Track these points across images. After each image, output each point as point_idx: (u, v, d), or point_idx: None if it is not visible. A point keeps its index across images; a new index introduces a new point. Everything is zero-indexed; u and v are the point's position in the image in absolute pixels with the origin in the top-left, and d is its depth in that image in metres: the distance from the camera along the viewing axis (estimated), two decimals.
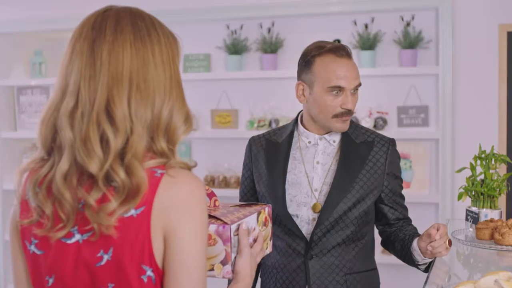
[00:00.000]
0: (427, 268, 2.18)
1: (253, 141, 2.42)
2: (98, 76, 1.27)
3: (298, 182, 2.28)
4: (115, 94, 1.26)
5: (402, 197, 2.35)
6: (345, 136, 2.30)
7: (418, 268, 2.23)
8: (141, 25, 1.32)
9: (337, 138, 2.30)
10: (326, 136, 2.29)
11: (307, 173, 2.28)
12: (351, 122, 2.33)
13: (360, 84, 2.24)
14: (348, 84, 2.19)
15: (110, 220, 1.23)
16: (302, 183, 2.27)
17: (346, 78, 2.19)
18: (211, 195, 1.59)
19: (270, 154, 2.34)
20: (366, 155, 2.27)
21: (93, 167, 1.24)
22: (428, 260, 2.16)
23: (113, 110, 1.26)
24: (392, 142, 2.33)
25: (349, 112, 2.22)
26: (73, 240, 1.29)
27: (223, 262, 1.47)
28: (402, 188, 2.36)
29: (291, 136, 2.34)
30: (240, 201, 2.46)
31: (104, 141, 1.25)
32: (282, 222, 2.27)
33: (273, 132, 2.42)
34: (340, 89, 2.19)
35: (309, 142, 2.31)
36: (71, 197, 1.26)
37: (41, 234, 1.30)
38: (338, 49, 2.21)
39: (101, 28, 1.30)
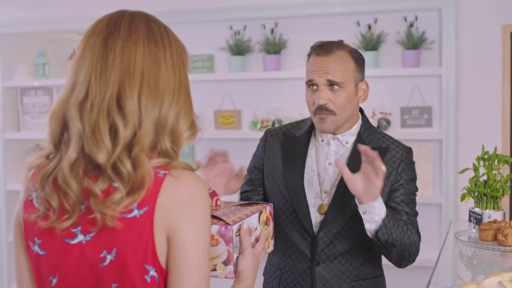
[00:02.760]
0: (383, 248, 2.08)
1: (269, 133, 2.37)
2: (110, 70, 1.28)
3: (310, 182, 2.24)
4: (127, 87, 1.28)
5: (408, 213, 2.19)
6: (358, 139, 2.24)
7: (373, 242, 2.08)
8: (155, 28, 1.34)
9: (350, 139, 2.25)
10: (339, 136, 2.24)
11: (319, 173, 2.24)
12: (369, 125, 2.29)
13: (335, 81, 2.15)
14: (317, 77, 2.16)
15: (115, 210, 1.24)
16: (313, 183, 2.23)
17: (316, 72, 2.17)
18: (212, 194, 1.61)
19: (286, 147, 2.30)
20: None
21: (100, 157, 1.25)
22: (369, 227, 2.03)
23: (124, 102, 1.27)
24: (408, 151, 2.25)
25: (321, 108, 2.16)
26: (76, 241, 1.29)
27: (226, 262, 1.48)
28: (411, 200, 2.21)
29: (309, 131, 2.30)
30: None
31: (112, 132, 1.27)
32: (297, 217, 2.21)
33: (291, 125, 2.38)
34: (313, 83, 2.18)
35: (322, 141, 2.26)
36: (77, 187, 1.27)
37: (46, 226, 1.30)
38: (317, 48, 2.21)
39: (115, 25, 1.32)
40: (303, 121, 2.37)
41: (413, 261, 2.21)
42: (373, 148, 2.12)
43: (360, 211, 2.04)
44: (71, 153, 1.27)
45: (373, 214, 2.02)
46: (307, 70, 2.22)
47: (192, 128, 1.36)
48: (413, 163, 2.26)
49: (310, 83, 2.19)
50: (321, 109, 2.16)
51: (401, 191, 2.19)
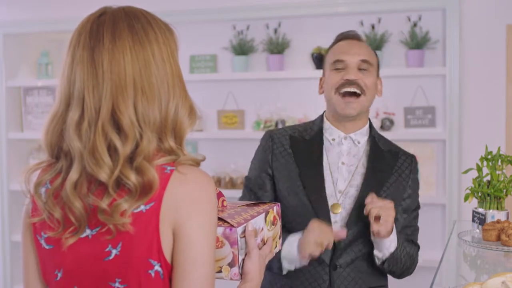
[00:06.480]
0: (384, 264, 2.15)
1: (274, 136, 2.25)
2: (101, 85, 1.28)
3: None
4: (120, 102, 1.27)
5: (414, 218, 2.30)
6: (371, 139, 2.24)
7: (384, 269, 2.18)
8: (138, 27, 1.32)
9: (362, 139, 2.23)
10: (351, 135, 2.21)
11: (332, 173, 2.19)
12: (376, 131, 2.29)
13: (367, 60, 2.16)
14: (348, 57, 2.16)
15: (124, 218, 1.25)
16: (327, 183, 2.17)
17: (347, 52, 2.17)
18: (219, 195, 1.60)
19: (298, 150, 2.21)
20: (392, 165, 2.23)
21: (103, 175, 1.25)
22: (382, 254, 2.12)
23: (119, 118, 1.27)
24: (415, 160, 2.31)
25: (351, 83, 2.13)
26: (83, 235, 1.30)
27: (231, 264, 1.47)
28: (416, 207, 2.30)
29: (321, 133, 2.24)
30: (243, 191, 2.29)
31: (112, 149, 1.27)
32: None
33: (295, 129, 2.28)
34: (342, 63, 2.16)
35: (333, 140, 2.21)
36: (81, 205, 1.28)
37: (55, 237, 1.31)
38: (346, 34, 2.23)
39: (98, 36, 1.30)
40: (308, 123, 2.30)
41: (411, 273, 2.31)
42: (387, 151, 2.23)
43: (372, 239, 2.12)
44: (73, 174, 1.28)
45: (383, 247, 2.11)
46: (334, 53, 2.20)
47: (191, 115, 1.35)
48: (417, 172, 2.32)
49: (339, 64, 2.17)
50: (350, 84, 2.13)
51: (407, 201, 2.25)
